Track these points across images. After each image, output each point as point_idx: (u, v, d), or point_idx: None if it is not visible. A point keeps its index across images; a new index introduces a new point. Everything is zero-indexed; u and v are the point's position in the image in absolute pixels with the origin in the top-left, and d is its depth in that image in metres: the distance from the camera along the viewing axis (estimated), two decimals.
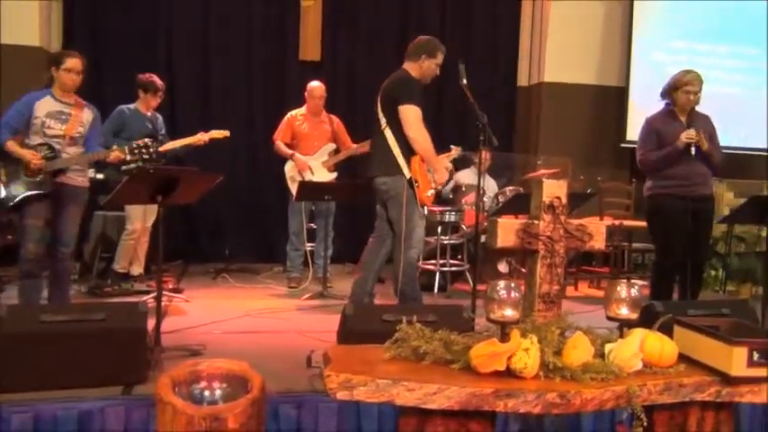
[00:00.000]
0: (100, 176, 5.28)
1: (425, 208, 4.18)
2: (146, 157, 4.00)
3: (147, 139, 4.04)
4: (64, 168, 3.87)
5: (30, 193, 3.79)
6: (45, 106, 3.86)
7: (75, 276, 5.47)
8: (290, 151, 5.70)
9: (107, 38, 6.53)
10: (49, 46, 6.28)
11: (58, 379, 2.81)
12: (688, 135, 4.08)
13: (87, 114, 4.02)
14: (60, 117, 3.89)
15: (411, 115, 3.98)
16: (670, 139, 4.14)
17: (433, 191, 4.12)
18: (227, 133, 5.11)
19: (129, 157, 3.94)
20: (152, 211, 5.00)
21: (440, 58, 4.14)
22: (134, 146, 3.95)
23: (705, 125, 4.26)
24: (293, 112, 5.82)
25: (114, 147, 4.02)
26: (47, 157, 3.81)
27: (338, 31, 7.05)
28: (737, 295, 5.98)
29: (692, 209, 4.17)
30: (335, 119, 5.88)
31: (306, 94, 5.78)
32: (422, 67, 4.13)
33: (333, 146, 5.80)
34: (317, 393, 2.75)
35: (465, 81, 3.94)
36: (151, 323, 3.20)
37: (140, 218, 5.08)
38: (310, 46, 6.87)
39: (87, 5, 6.49)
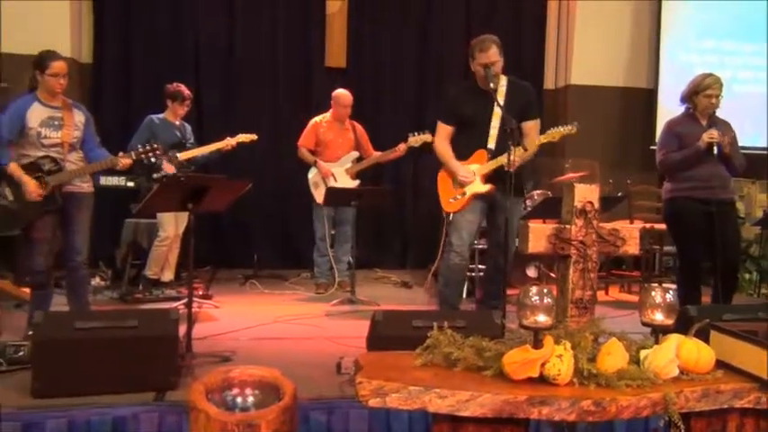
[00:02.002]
0: (131, 184, 5.36)
1: (450, 214, 4.20)
2: (153, 159, 3.98)
3: (155, 142, 4.03)
4: (71, 180, 3.81)
5: (42, 211, 3.72)
6: (36, 115, 3.72)
7: (108, 283, 5.56)
8: (312, 158, 5.73)
9: (136, 47, 6.63)
10: (80, 56, 6.40)
11: (91, 385, 2.85)
12: (710, 135, 4.03)
13: (79, 116, 3.88)
14: (54, 124, 3.76)
15: (437, 130, 4.27)
16: (691, 142, 4.10)
17: (459, 197, 4.08)
18: (254, 137, 5.17)
19: (135, 159, 3.91)
20: (183, 218, 5.05)
21: (480, 58, 4.00)
22: (140, 149, 3.93)
23: (726, 130, 4.20)
24: (317, 119, 5.85)
25: (120, 153, 3.94)
26: (51, 170, 3.72)
27: (363, 38, 7.08)
28: None
29: (710, 212, 4.11)
30: (358, 126, 5.90)
31: (332, 101, 5.80)
32: (472, 69, 4.12)
33: (356, 154, 5.81)
34: (348, 400, 2.75)
35: (492, 86, 3.92)
36: (182, 329, 3.22)
37: (173, 225, 5.13)
38: (336, 53, 6.91)
39: (116, 17, 6.59)
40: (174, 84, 5.32)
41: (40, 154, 3.75)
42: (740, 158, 4.23)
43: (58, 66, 3.73)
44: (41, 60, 3.75)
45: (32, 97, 3.77)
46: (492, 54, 3.98)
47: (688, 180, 4.16)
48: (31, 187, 3.67)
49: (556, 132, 4.25)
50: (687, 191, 4.17)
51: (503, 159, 3.76)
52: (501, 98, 4.06)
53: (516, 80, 4.17)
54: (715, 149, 4.04)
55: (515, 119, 3.92)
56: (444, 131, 4.22)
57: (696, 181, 4.14)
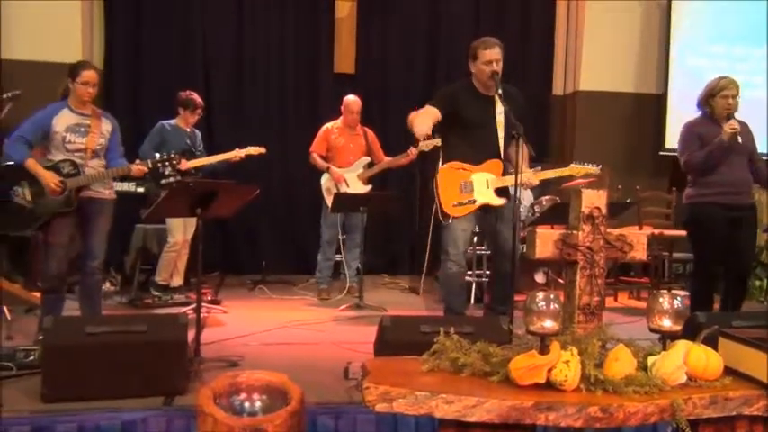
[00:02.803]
0: (140, 190, 5.39)
1: (451, 219, 4.00)
2: (169, 170, 4.02)
3: (172, 153, 4.06)
4: (89, 184, 3.86)
5: (55, 212, 3.79)
6: (64, 120, 3.84)
7: (117, 288, 5.59)
8: (325, 164, 5.75)
9: (146, 54, 6.68)
10: (91, 59, 6.44)
11: (101, 389, 2.86)
12: (731, 126, 3.98)
13: (106, 125, 3.98)
14: (80, 130, 3.86)
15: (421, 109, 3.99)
16: (713, 140, 4.06)
17: (466, 203, 3.98)
18: (263, 150, 5.19)
19: (151, 168, 3.95)
20: (191, 223, 5.07)
21: (485, 56, 3.93)
22: (157, 158, 3.97)
23: (746, 133, 4.18)
24: (329, 125, 5.87)
25: (137, 161, 4.01)
26: (69, 174, 3.79)
27: (372, 43, 7.10)
28: None
29: (733, 217, 4.09)
30: (369, 132, 5.92)
31: (342, 107, 5.83)
32: (474, 72, 4.06)
33: (367, 159, 5.83)
34: (355, 405, 2.75)
35: (500, 91, 3.91)
36: (191, 334, 3.24)
37: (181, 230, 5.16)
38: (344, 59, 6.94)
39: (127, 23, 6.64)
40: (187, 92, 5.35)
41: (63, 157, 3.83)
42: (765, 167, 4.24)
43: (87, 75, 3.85)
44: (74, 69, 3.89)
45: (63, 104, 3.90)
46: (496, 53, 3.93)
47: (710, 186, 4.12)
48: (48, 179, 3.74)
49: (581, 169, 4.24)
50: (712, 196, 4.11)
51: (523, 178, 3.70)
52: (500, 103, 4.01)
53: (506, 85, 4.03)
54: (739, 139, 3.99)
55: (510, 124, 3.92)
56: (431, 112, 3.92)
57: (721, 186, 4.10)
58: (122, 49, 6.64)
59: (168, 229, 5.17)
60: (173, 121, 5.31)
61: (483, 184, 4.02)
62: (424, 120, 3.86)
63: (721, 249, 4.11)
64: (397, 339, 2.97)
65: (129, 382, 2.90)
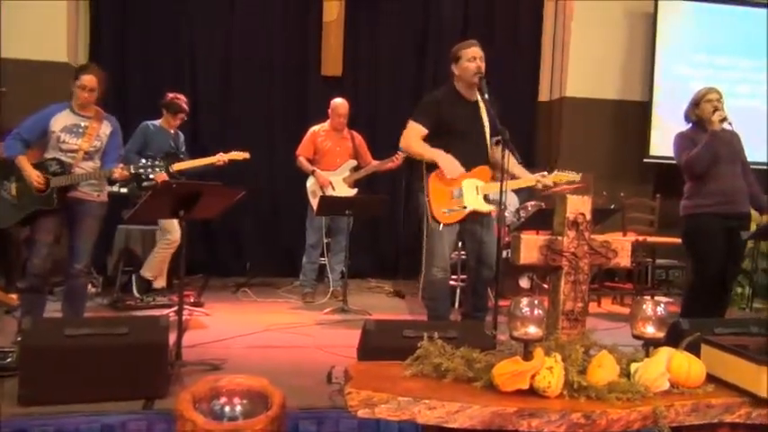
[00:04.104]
0: (123, 191, 5.34)
1: (441, 225, 3.96)
2: (151, 176, 3.99)
3: (156, 161, 4.00)
4: (73, 184, 3.84)
5: (34, 209, 3.77)
6: (62, 120, 3.86)
7: (98, 289, 5.53)
8: (311, 167, 5.73)
9: (132, 54, 6.62)
10: (75, 60, 6.39)
11: (80, 392, 2.82)
12: (719, 116, 4.03)
13: (106, 127, 3.98)
14: (76, 131, 3.87)
15: (406, 129, 4.06)
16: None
17: (456, 209, 3.95)
18: (246, 155, 5.13)
19: (133, 173, 3.92)
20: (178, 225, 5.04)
21: (467, 54, 3.94)
22: (140, 164, 3.92)
23: (737, 143, 4.26)
24: (316, 128, 5.85)
25: (120, 165, 3.94)
26: (55, 172, 3.79)
27: (359, 46, 7.09)
28: (764, 313, 5.87)
29: (729, 227, 4.13)
30: (357, 135, 5.91)
31: (329, 110, 5.81)
32: (458, 74, 4.04)
33: (354, 162, 5.82)
34: (338, 409, 2.73)
35: (487, 96, 3.91)
36: (172, 337, 3.21)
37: (178, 228, 5.10)
38: (332, 61, 6.91)
39: (113, 21, 6.59)
40: (174, 94, 5.31)
41: (53, 156, 3.84)
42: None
43: (85, 79, 3.87)
44: (76, 71, 3.96)
45: (65, 104, 3.92)
46: (478, 50, 3.95)
47: (709, 196, 4.14)
48: (34, 177, 3.74)
49: (562, 176, 4.25)
50: (709, 206, 4.14)
51: (518, 184, 3.88)
52: (483, 108, 4.02)
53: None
54: (727, 125, 4.04)
55: (495, 130, 3.92)
56: (418, 132, 3.99)
57: (718, 196, 4.13)
58: (108, 48, 6.57)
59: (164, 227, 5.13)
60: (157, 122, 5.27)
61: (473, 191, 4.00)
62: (421, 148, 3.97)
63: (720, 259, 4.13)
64: (381, 344, 2.95)
65: (108, 385, 2.86)
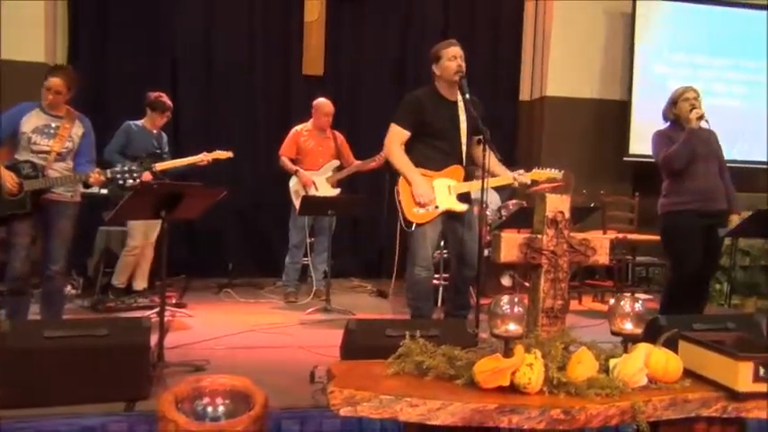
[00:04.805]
0: (104, 192, 5.29)
1: (414, 225, 3.99)
2: (129, 181, 3.92)
3: (134, 165, 3.95)
4: (48, 188, 3.78)
5: (8, 213, 3.70)
6: (33, 121, 3.80)
7: (79, 291, 5.49)
8: (294, 167, 5.72)
9: (112, 54, 6.56)
10: (53, 60, 6.32)
11: (60, 394, 2.80)
12: (697, 113, 4.08)
13: (77, 128, 3.92)
14: (47, 132, 3.80)
15: (388, 133, 4.08)
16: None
17: (430, 209, 3.96)
18: (230, 154, 5.12)
19: (110, 178, 3.85)
20: (154, 226, 5.01)
21: (448, 53, 3.97)
22: (117, 169, 3.86)
23: (714, 142, 4.32)
24: (298, 128, 5.85)
25: (96, 169, 3.86)
26: (28, 175, 3.72)
27: (341, 46, 7.09)
28: (742, 309, 5.95)
29: (707, 224, 4.18)
30: (339, 135, 5.91)
31: (313, 110, 5.81)
32: (439, 73, 4.06)
33: (337, 162, 5.82)
34: (321, 409, 2.74)
35: (468, 96, 3.93)
36: (154, 338, 3.19)
37: (141, 233, 5.09)
38: (314, 61, 6.91)
39: (92, 21, 6.52)
40: (157, 93, 5.28)
41: (25, 158, 3.77)
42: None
43: (51, 81, 3.81)
44: (46, 72, 3.88)
45: (36, 104, 3.87)
46: (458, 50, 3.98)
47: (686, 193, 4.19)
48: (9, 181, 3.66)
49: (542, 173, 4.29)
50: (687, 204, 4.18)
51: (496, 182, 3.95)
52: (462, 108, 4.05)
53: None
54: (704, 123, 4.09)
55: (475, 130, 3.95)
56: (401, 137, 4.04)
57: (695, 194, 4.18)
58: (87, 49, 6.51)
59: (128, 231, 5.10)
60: (139, 122, 5.24)
61: (445, 190, 4.03)
62: (402, 163, 4.01)
63: (698, 256, 4.18)
64: (364, 343, 2.96)
65: (89, 387, 2.84)
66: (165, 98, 5.26)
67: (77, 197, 3.99)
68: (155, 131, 5.27)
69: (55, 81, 3.81)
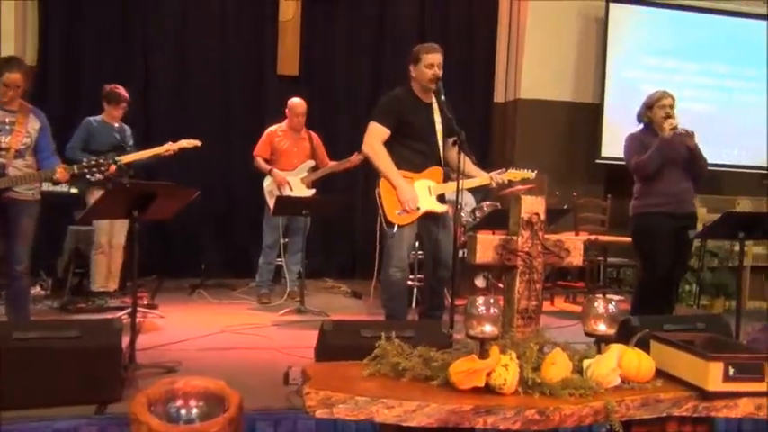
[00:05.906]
0: (73, 191, 5.21)
1: (396, 226, 3.98)
2: (98, 176, 3.86)
3: (101, 158, 3.81)
4: (10, 187, 3.68)
5: None
6: None
7: (48, 292, 5.39)
8: (268, 167, 5.69)
9: (83, 50, 6.48)
10: (23, 58, 6.20)
11: (30, 397, 2.74)
12: (670, 124, 4.13)
13: (33, 123, 3.81)
14: (3, 128, 3.69)
15: (368, 131, 4.05)
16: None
17: (405, 211, 3.95)
18: (197, 143, 5.01)
19: (76, 174, 3.75)
20: (120, 225, 4.95)
21: (427, 59, 3.96)
22: (84, 163, 3.74)
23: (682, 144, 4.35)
24: (273, 128, 5.82)
25: (62, 165, 3.77)
26: None
27: (316, 46, 7.07)
28: (711, 310, 6.06)
29: (678, 226, 4.24)
30: (315, 136, 5.89)
31: (287, 110, 5.78)
32: (414, 76, 4.06)
33: (312, 163, 5.80)
34: (295, 410, 2.72)
35: (443, 98, 3.95)
36: (126, 340, 3.15)
37: (106, 232, 5.02)
38: (288, 61, 6.88)
39: (63, 19, 6.43)
40: (112, 85, 5.22)
41: None
42: (703, 158, 4.35)
43: (9, 77, 3.69)
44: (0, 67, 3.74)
45: None
46: (438, 57, 3.98)
47: (657, 196, 4.24)
48: None
49: (517, 174, 4.33)
50: (658, 206, 4.24)
51: (473, 183, 3.96)
52: (437, 110, 4.06)
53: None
54: (679, 127, 4.12)
55: (449, 131, 3.96)
56: (382, 135, 3.99)
57: (666, 196, 4.23)
58: (58, 44, 6.42)
59: (95, 229, 5.04)
60: (99, 117, 5.18)
61: (425, 191, 4.04)
62: (385, 165, 3.97)
63: (669, 257, 4.24)
64: (339, 344, 2.95)
65: (59, 390, 2.78)
66: (121, 90, 5.19)
67: (38, 195, 3.88)
68: (116, 125, 5.20)
69: (14, 77, 3.69)
